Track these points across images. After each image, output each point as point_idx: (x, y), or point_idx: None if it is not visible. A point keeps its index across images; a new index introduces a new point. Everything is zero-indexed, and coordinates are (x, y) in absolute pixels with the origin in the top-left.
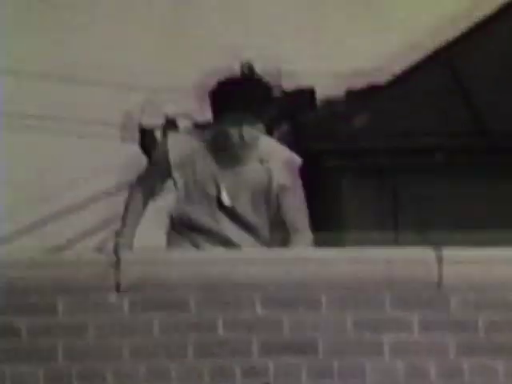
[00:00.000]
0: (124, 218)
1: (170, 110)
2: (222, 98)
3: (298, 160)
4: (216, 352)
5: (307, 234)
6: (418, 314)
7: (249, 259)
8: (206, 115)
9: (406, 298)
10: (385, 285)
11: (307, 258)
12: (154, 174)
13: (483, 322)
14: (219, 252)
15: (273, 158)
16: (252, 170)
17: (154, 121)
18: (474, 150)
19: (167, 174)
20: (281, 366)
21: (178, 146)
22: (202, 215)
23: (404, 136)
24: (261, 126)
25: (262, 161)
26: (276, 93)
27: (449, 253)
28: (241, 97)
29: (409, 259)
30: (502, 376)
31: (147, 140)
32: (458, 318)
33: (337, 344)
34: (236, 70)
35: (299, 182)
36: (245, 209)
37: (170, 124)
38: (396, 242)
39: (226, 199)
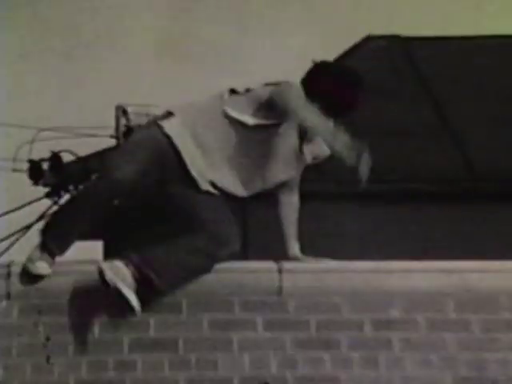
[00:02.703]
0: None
1: (55, 146)
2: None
3: None
4: (92, 349)
5: None
6: (261, 315)
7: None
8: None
9: (252, 302)
10: (235, 290)
11: None
12: None
13: (314, 321)
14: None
15: None
16: None
17: (41, 155)
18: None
19: None
20: (147, 361)
21: None
22: None
23: None
24: None
25: None
26: None
27: (288, 265)
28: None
29: (256, 270)
30: (328, 364)
31: (35, 170)
32: (294, 319)
33: (194, 341)
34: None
35: None
36: None
37: (55, 157)
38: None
39: None
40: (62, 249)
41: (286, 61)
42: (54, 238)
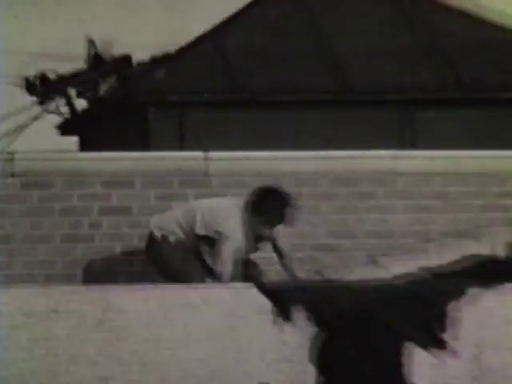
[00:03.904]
0: None
1: (45, 68)
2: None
3: None
4: (72, 213)
5: None
6: (194, 190)
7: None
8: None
9: (189, 181)
10: (174, 172)
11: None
12: None
13: (232, 194)
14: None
15: None
16: None
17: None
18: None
19: None
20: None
21: None
22: None
23: (185, 83)
24: None
25: None
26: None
27: (214, 154)
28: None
29: (188, 158)
30: None
31: (30, 86)
32: (218, 192)
33: (147, 207)
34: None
35: None
36: None
37: (44, 76)
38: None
39: None
40: None
41: None
42: None
